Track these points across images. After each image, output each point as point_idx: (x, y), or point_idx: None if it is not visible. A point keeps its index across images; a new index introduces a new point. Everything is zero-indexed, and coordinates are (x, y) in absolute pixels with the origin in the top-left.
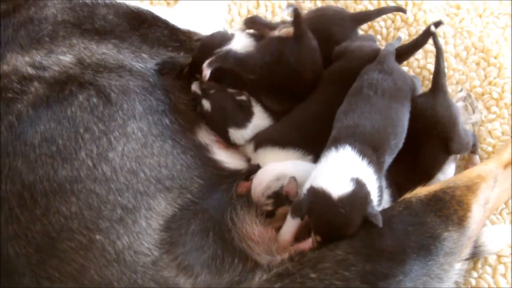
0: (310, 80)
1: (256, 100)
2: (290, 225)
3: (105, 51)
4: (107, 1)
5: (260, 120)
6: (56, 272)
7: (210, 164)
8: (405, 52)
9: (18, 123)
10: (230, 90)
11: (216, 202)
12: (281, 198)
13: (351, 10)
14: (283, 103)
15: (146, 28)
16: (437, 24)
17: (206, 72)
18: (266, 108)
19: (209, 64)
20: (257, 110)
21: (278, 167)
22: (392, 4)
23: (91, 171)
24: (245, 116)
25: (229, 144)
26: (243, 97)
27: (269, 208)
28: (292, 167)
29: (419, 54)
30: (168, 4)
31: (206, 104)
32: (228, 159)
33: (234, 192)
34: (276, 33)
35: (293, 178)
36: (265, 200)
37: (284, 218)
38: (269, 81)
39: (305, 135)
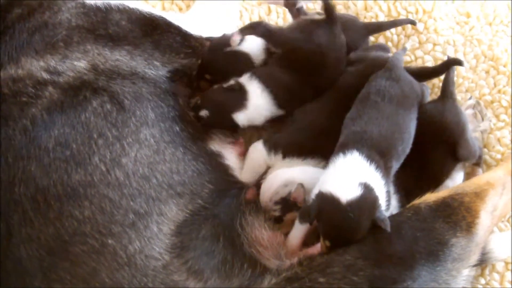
0: (332, 67)
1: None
2: (298, 230)
3: (119, 58)
4: (121, 7)
5: (258, 99)
6: (68, 275)
7: (221, 170)
8: (425, 75)
9: (33, 127)
10: (215, 86)
11: (226, 208)
12: (288, 204)
13: (362, 18)
14: (300, 85)
15: (159, 34)
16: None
17: (236, 37)
18: (267, 84)
19: (240, 32)
20: (252, 89)
21: (287, 173)
22: (403, 12)
23: (104, 176)
24: (241, 96)
25: (238, 132)
26: (231, 82)
27: (277, 213)
28: (301, 173)
29: (430, 62)
30: (181, 10)
31: (203, 112)
32: (238, 165)
33: (243, 198)
34: (308, 17)
35: (301, 185)
36: (273, 206)
37: (292, 224)
38: (292, 58)
39: (323, 142)
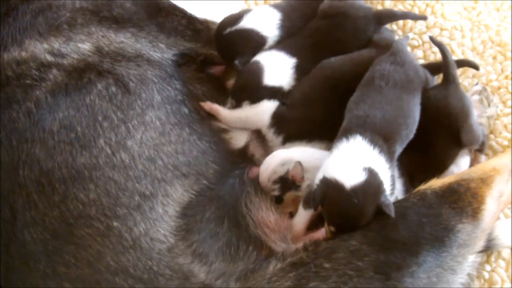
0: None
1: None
2: (302, 216)
3: (123, 40)
4: None
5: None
6: (72, 258)
7: (225, 148)
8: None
9: (37, 110)
10: None
11: (231, 188)
12: (287, 183)
13: (368, 3)
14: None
15: (164, 16)
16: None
17: None
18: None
19: None
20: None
21: (284, 152)
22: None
23: (109, 158)
24: None
25: None
26: None
27: (276, 193)
28: (298, 153)
29: (436, 47)
30: None
31: None
32: (237, 141)
33: (246, 176)
34: None
35: (298, 163)
36: (272, 186)
37: (292, 203)
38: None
39: (326, 125)
